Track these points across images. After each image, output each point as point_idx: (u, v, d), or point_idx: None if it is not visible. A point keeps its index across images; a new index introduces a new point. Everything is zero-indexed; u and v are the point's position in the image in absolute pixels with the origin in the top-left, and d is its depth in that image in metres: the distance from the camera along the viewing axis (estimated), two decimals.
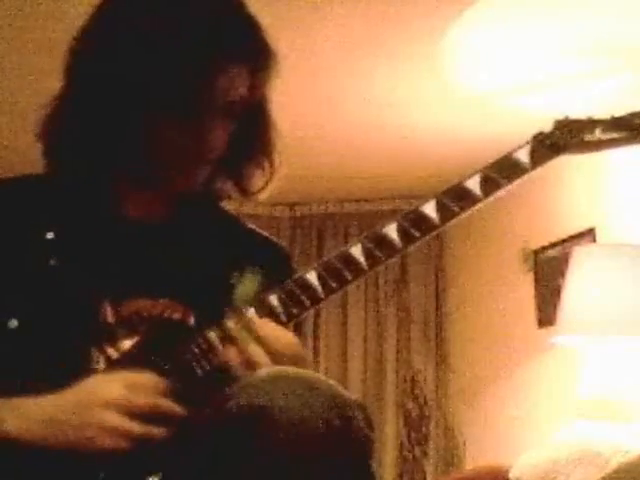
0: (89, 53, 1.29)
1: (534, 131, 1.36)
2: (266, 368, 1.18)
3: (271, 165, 1.39)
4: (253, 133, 1.38)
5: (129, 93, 1.25)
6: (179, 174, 1.32)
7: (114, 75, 1.26)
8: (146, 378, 1.22)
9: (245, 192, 1.41)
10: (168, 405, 1.21)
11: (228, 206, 1.47)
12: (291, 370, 1.16)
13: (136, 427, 1.18)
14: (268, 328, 1.24)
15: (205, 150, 1.30)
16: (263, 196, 1.41)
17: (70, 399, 1.19)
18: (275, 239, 1.47)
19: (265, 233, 1.47)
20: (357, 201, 5.13)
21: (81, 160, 1.32)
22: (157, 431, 1.19)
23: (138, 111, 1.27)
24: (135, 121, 1.28)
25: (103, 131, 1.29)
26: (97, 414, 1.17)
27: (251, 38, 1.30)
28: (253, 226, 1.47)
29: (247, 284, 1.28)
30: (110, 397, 1.19)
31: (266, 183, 1.40)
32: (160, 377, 1.23)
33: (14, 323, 1.24)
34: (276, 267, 1.36)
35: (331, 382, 1.14)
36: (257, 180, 1.40)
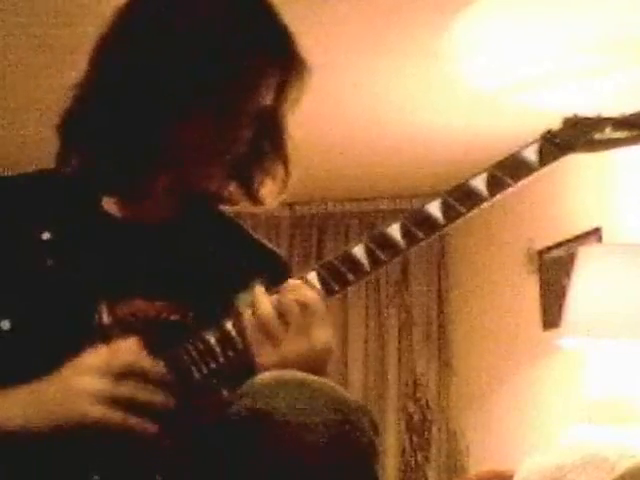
0: (124, 51, 1.29)
1: (542, 129, 1.33)
2: (269, 372, 1.16)
3: (286, 173, 1.39)
4: (269, 140, 1.37)
5: (165, 92, 1.25)
6: (199, 174, 1.31)
7: (151, 73, 1.25)
8: (128, 342, 1.20)
9: (254, 199, 1.40)
10: (148, 362, 1.18)
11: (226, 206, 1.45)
12: (294, 374, 1.15)
13: (120, 388, 1.16)
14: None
15: (230, 151, 1.30)
16: (272, 204, 1.41)
17: (52, 376, 1.18)
18: (274, 248, 1.46)
19: (265, 241, 1.46)
20: (357, 200, 5.13)
21: (105, 156, 1.30)
22: (144, 395, 1.16)
23: (171, 110, 1.26)
24: (166, 118, 1.27)
25: (132, 127, 1.27)
26: (77, 380, 1.16)
27: (288, 46, 1.31)
28: (252, 232, 1.46)
29: (249, 290, 1.25)
30: (90, 362, 1.17)
31: (280, 191, 1.40)
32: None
33: (6, 325, 1.23)
34: (276, 275, 1.34)
35: (334, 386, 1.13)
36: (267, 187, 1.39)
